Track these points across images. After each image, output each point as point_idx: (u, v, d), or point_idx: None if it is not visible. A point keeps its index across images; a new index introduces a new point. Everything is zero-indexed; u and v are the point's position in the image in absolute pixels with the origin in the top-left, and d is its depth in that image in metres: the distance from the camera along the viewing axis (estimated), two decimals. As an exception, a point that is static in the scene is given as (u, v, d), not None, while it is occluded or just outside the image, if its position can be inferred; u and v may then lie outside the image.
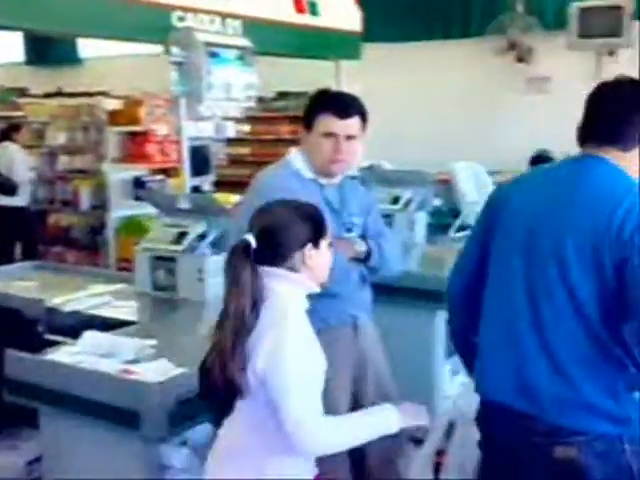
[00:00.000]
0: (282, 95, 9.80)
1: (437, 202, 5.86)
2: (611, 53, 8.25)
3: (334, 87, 5.97)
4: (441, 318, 3.73)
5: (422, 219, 4.71)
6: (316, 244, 1.97)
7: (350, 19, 5.79)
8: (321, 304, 2.38)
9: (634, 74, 7.71)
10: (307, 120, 2.56)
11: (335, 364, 2.48)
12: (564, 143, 9.07)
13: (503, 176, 7.90)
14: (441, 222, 6.11)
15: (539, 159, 8.70)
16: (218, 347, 1.85)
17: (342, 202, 2.61)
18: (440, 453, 2.52)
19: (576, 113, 8.49)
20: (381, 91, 9.89)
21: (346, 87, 8.81)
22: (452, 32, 9.17)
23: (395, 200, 4.72)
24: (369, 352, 2.67)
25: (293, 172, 2.54)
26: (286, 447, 1.84)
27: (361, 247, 2.55)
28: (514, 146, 8.66)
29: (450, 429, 2.50)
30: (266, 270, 1.91)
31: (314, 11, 5.38)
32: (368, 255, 2.57)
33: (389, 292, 3.59)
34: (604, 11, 7.88)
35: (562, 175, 2.03)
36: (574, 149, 7.64)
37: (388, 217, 4.75)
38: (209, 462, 2.00)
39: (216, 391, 1.86)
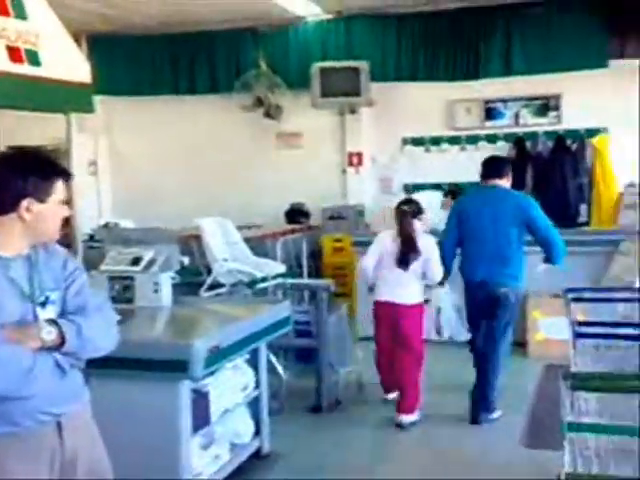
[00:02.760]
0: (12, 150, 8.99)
1: (187, 260, 5.60)
2: (353, 111, 8.66)
3: (61, 140, 5.57)
4: (186, 388, 3.44)
5: (167, 280, 4.37)
6: None
7: (78, 71, 5.38)
8: (12, 407, 2.11)
9: (375, 131, 8.20)
10: (38, 189, 2.18)
11: (34, 475, 2.16)
12: (316, 195, 9.47)
13: (259, 230, 7.96)
14: (195, 281, 5.85)
15: (294, 212, 8.89)
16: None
17: (32, 277, 2.23)
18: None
19: (326, 167, 8.82)
20: (127, 146, 9.58)
21: (82, 141, 8.42)
22: (199, 87, 9.10)
23: (136, 261, 4.34)
24: (80, 450, 2.30)
25: None
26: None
27: (49, 335, 2.16)
28: (268, 200, 8.76)
29: (438, 311, 5.17)
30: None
31: (34, 61, 4.88)
32: (63, 340, 2.19)
33: (125, 364, 3.25)
34: (343, 72, 8.25)
35: (490, 193, 5.00)
36: (325, 202, 7.97)
37: (129, 279, 4.40)
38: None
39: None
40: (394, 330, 4.94)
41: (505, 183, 5.05)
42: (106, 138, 9.58)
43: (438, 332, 5.19)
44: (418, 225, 4.98)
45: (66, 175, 2.28)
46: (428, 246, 4.92)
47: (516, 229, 4.86)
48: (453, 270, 5.15)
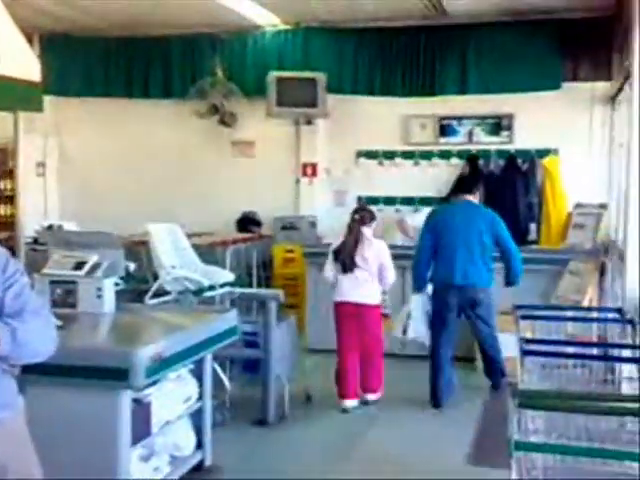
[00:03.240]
0: None
1: (133, 266, 5.45)
2: (309, 122, 8.62)
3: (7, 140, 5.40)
4: (126, 398, 3.32)
5: (110, 286, 4.24)
6: None
7: (28, 69, 5.23)
8: None
9: (330, 143, 8.26)
10: None
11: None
12: (268, 205, 9.38)
13: (210, 238, 7.83)
14: (142, 288, 5.70)
15: (246, 220, 8.80)
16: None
17: None
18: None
19: (280, 177, 8.83)
20: (77, 148, 9.37)
21: (31, 141, 8.20)
22: (152, 92, 8.96)
23: (79, 265, 4.20)
24: (10, 458, 2.21)
25: None
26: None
27: None
28: (221, 208, 8.65)
29: (408, 316, 5.57)
30: None
31: (-17, 57, 4.74)
32: None
33: (63, 371, 3.13)
34: (300, 82, 8.23)
35: (462, 206, 5.70)
36: (278, 211, 8.00)
37: (72, 284, 4.25)
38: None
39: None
40: (360, 326, 5.43)
41: (474, 199, 5.72)
42: (55, 139, 9.37)
43: (404, 332, 5.58)
44: (367, 232, 5.48)
45: None
46: (380, 251, 5.46)
47: (483, 238, 5.48)
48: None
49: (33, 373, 2.37)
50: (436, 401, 5.48)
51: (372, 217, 5.60)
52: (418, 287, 5.63)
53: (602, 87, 7.87)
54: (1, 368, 2.15)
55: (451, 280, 5.46)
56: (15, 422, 2.27)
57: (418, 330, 5.57)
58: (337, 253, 5.46)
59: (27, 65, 5.30)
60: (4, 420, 2.20)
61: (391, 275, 5.49)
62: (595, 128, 7.94)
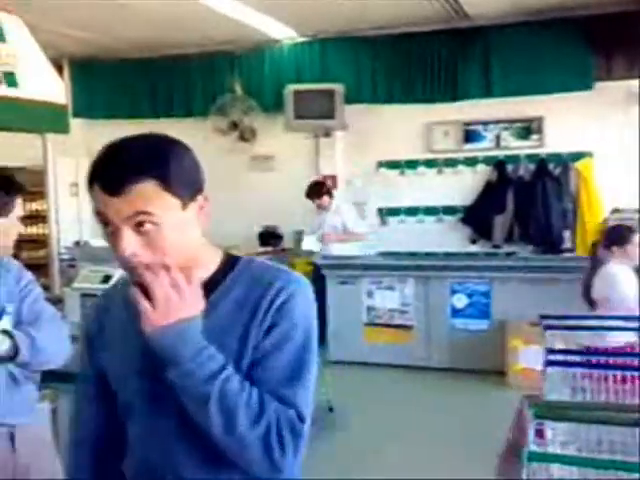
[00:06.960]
0: (-25, 168, 8.88)
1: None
2: (327, 134, 8.44)
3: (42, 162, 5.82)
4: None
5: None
6: None
7: (54, 91, 5.32)
8: None
9: (349, 154, 7.97)
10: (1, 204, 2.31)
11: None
12: (289, 219, 9.19)
13: (234, 250, 7.66)
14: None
15: (267, 234, 8.67)
16: None
17: None
18: None
19: (300, 190, 8.57)
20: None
21: (64, 163, 8.24)
22: (175, 111, 8.95)
23: (106, 279, 4.29)
24: (33, 464, 2.32)
25: None
26: None
27: (2, 345, 2.14)
28: (241, 223, 8.53)
29: None
30: None
31: (11, 82, 4.85)
32: (16, 351, 2.16)
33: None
34: (317, 94, 8.06)
35: None
36: (299, 225, 7.67)
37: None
38: None
39: None
40: None
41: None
42: (87, 161, 9.43)
43: None
44: None
45: (23, 192, 2.35)
46: None
47: None
48: None
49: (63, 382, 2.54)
50: None
51: None
52: None
53: (638, 85, 7.37)
54: (23, 375, 2.25)
55: None
56: (37, 427, 2.37)
57: None
58: None
59: (52, 88, 5.39)
60: (27, 425, 2.29)
61: None
62: (632, 129, 7.47)
